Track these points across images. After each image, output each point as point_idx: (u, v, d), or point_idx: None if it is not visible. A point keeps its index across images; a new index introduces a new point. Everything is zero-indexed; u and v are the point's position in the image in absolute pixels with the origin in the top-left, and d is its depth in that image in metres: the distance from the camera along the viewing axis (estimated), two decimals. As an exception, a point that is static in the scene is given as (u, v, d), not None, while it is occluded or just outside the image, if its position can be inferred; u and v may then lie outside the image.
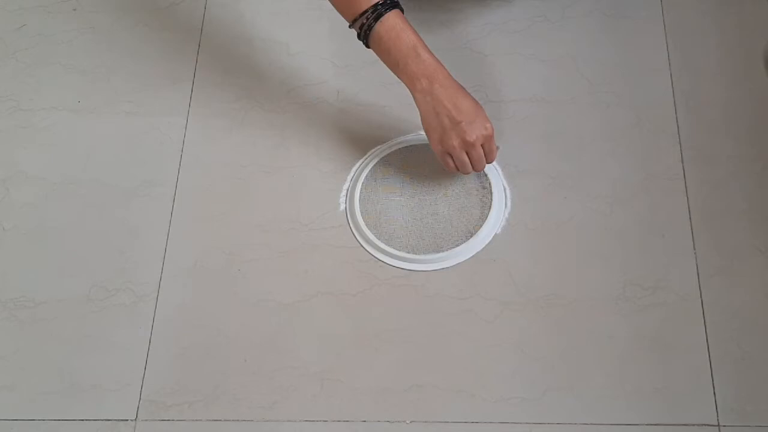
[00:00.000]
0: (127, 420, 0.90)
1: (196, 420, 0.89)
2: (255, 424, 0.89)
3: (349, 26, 0.90)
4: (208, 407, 0.90)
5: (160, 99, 1.10)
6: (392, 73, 0.91)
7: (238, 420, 0.89)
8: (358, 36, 0.90)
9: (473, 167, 0.93)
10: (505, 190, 1.00)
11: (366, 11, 0.88)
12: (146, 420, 0.90)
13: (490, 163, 0.94)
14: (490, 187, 0.99)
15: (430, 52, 0.89)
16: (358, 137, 1.04)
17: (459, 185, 1.00)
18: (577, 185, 0.99)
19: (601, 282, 0.93)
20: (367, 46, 0.90)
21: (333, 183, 1.02)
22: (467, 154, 0.91)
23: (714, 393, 0.86)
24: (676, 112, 1.03)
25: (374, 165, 1.02)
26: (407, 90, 0.91)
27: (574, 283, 0.93)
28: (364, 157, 1.03)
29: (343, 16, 0.90)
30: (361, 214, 0.99)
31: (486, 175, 1.00)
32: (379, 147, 1.04)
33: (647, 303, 0.92)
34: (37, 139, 1.09)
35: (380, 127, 1.05)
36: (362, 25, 0.88)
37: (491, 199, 0.98)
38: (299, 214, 1.00)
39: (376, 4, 0.87)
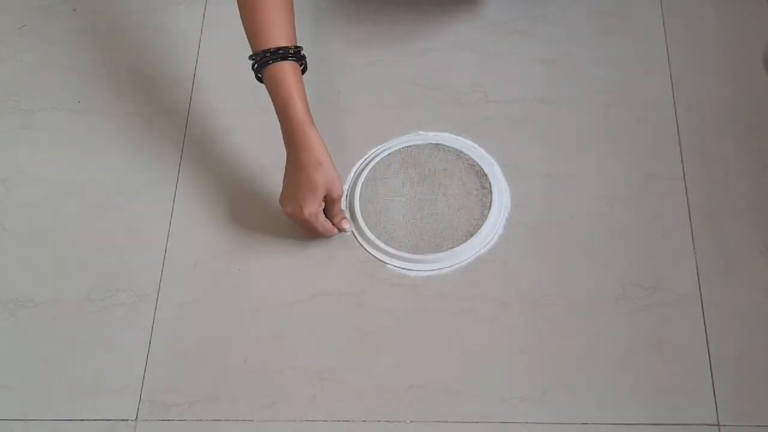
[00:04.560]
0: (127, 420, 0.90)
1: (197, 420, 0.89)
2: (255, 424, 0.89)
3: (248, 57, 0.92)
4: (208, 407, 0.90)
5: (160, 99, 1.10)
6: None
7: (238, 420, 0.89)
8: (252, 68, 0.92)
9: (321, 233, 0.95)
10: (505, 190, 1.00)
11: (258, 53, 0.90)
12: (146, 420, 0.90)
13: (341, 230, 0.96)
14: (490, 187, 0.99)
15: (302, 110, 0.89)
16: (358, 137, 1.04)
17: (459, 185, 1.00)
18: (577, 185, 0.99)
19: (601, 282, 0.93)
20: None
21: (333, 183, 1.02)
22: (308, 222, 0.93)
23: (714, 393, 0.86)
24: (676, 112, 1.03)
25: (374, 165, 1.02)
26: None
27: (574, 283, 0.93)
28: (364, 157, 1.03)
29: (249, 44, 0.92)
30: (361, 214, 0.99)
31: (486, 175, 1.00)
32: (379, 147, 1.04)
33: (647, 303, 0.92)
34: (37, 139, 1.09)
35: (380, 127, 1.05)
36: (253, 65, 0.91)
37: (491, 199, 0.98)
38: (299, 214, 1.00)
39: (269, 50, 0.89)
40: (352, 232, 0.98)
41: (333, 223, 0.95)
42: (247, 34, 0.92)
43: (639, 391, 0.87)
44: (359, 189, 1.00)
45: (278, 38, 0.89)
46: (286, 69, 0.89)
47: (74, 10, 1.19)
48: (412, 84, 1.08)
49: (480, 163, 1.01)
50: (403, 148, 1.03)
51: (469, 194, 1.00)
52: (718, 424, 0.85)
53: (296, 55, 0.90)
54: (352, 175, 1.02)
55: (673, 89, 1.05)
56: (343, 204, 1.01)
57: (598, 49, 1.09)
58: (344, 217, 0.97)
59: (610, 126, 1.03)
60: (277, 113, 0.91)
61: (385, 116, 1.06)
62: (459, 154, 1.02)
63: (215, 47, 1.14)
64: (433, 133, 1.04)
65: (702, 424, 0.85)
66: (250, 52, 0.91)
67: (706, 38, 1.08)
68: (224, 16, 1.16)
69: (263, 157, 1.04)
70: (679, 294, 0.92)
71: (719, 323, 0.90)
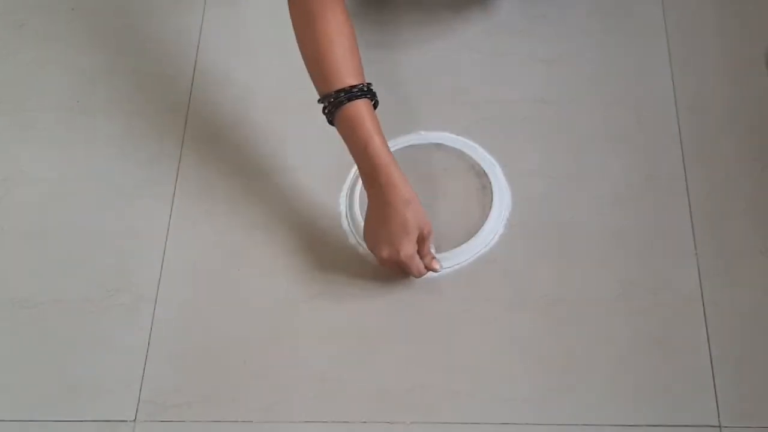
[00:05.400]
0: (126, 421, 0.90)
1: (196, 421, 0.89)
2: (255, 424, 0.88)
3: (318, 101, 0.89)
4: (207, 408, 0.89)
5: (159, 98, 1.10)
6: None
7: (237, 421, 0.89)
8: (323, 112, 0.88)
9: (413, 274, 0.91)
10: (505, 190, 0.99)
11: (330, 94, 0.86)
12: (145, 421, 0.89)
13: (432, 270, 0.91)
14: (491, 187, 0.99)
15: (384, 149, 0.87)
16: (358, 137, 1.04)
17: (459, 185, 1.00)
18: (577, 185, 0.99)
19: (602, 282, 0.93)
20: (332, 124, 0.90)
21: (333, 183, 1.02)
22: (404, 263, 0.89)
23: (715, 393, 0.86)
24: (677, 112, 1.03)
25: (374, 165, 1.02)
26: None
27: (574, 284, 0.93)
28: (365, 157, 1.03)
29: (315, 87, 0.89)
30: (361, 215, 0.98)
31: (486, 175, 1.00)
32: (379, 147, 1.03)
33: (648, 303, 0.91)
34: (37, 139, 1.09)
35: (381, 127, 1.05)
36: (325, 107, 0.88)
37: (492, 200, 0.98)
38: (299, 214, 1.00)
39: (343, 90, 0.85)
40: (353, 233, 0.98)
41: (424, 263, 0.90)
42: (312, 75, 0.88)
43: (640, 391, 0.87)
44: (359, 189, 1.00)
45: (349, 77, 0.86)
46: (362, 108, 0.86)
47: (73, 9, 1.19)
48: (413, 84, 1.08)
49: (480, 163, 1.01)
50: (403, 148, 1.03)
51: (469, 194, 0.99)
52: (720, 425, 0.85)
53: (369, 92, 0.87)
54: (352, 175, 1.02)
55: (674, 89, 1.05)
56: (343, 205, 1.00)
57: (598, 48, 1.09)
58: (434, 257, 0.92)
59: (610, 126, 1.03)
60: (353, 154, 0.88)
61: (385, 116, 1.05)
62: (460, 154, 1.02)
63: (215, 47, 1.14)
64: (433, 132, 1.04)
65: (703, 425, 0.85)
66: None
67: (708, 38, 1.08)
68: (224, 16, 1.16)
69: (263, 156, 1.04)
70: (680, 294, 0.92)
71: (720, 323, 0.90)
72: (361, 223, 0.97)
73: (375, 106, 0.89)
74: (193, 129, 1.07)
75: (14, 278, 0.99)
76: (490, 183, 0.99)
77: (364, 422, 0.88)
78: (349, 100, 0.86)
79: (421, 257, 0.90)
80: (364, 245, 0.96)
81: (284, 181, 1.02)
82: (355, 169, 1.02)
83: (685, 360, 0.88)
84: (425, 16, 1.12)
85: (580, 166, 1.00)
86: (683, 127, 1.02)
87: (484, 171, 1.00)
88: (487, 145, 1.03)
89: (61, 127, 1.09)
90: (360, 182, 1.00)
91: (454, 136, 1.04)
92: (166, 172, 1.04)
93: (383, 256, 0.89)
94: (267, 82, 1.09)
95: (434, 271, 0.91)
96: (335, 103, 0.86)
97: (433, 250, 0.93)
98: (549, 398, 0.87)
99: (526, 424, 0.86)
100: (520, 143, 1.03)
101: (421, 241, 0.89)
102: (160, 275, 0.98)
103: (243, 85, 1.10)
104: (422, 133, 1.04)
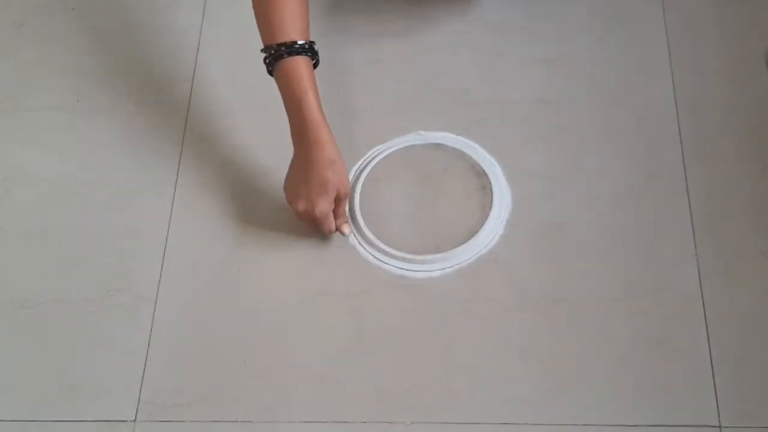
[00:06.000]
0: (126, 421, 0.90)
1: (196, 421, 0.89)
2: (255, 425, 0.88)
3: (260, 50, 0.91)
4: (207, 408, 0.89)
5: (159, 98, 1.10)
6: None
7: (237, 421, 0.89)
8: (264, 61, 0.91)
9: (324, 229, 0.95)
10: (505, 190, 0.99)
11: (272, 46, 0.89)
12: (145, 421, 0.89)
13: (341, 233, 0.96)
14: (491, 187, 0.99)
15: (316, 107, 0.90)
16: (358, 137, 1.04)
17: (459, 186, 1.00)
18: (577, 185, 0.99)
19: (602, 283, 0.93)
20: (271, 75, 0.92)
21: (333, 183, 1.02)
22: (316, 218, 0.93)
23: (715, 393, 0.86)
24: (677, 112, 1.03)
25: (374, 165, 1.02)
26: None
27: (574, 284, 0.93)
28: (364, 157, 1.03)
29: (261, 38, 0.92)
30: (361, 215, 0.98)
31: (486, 175, 1.00)
32: (379, 147, 1.03)
33: (648, 303, 0.91)
34: (37, 139, 1.09)
35: (380, 127, 1.05)
36: (266, 57, 0.91)
37: (492, 200, 0.98)
38: (299, 214, 1.00)
39: (284, 44, 0.89)
40: (353, 234, 0.98)
41: (336, 224, 0.95)
42: (259, 27, 0.92)
43: (640, 392, 0.87)
44: (359, 189, 1.00)
45: (293, 32, 0.89)
46: (300, 64, 0.89)
47: (73, 9, 1.19)
48: (413, 84, 1.08)
49: (480, 163, 1.01)
50: (403, 148, 1.03)
51: (469, 194, 0.99)
52: (720, 426, 0.85)
53: (310, 50, 0.90)
54: (352, 175, 1.02)
55: (674, 89, 1.04)
56: (343, 204, 1.01)
57: (598, 48, 1.08)
58: (346, 221, 0.97)
59: (610, 126, 1.03)
60: (287, 108, 0.91)
61: (385, 116, 1.06)
62: (460, 154, 1.02)
63: (215, 47, 1.14)
64: (433, 132, 1.04)
65: (703, 426, 0.85)
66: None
67: (708, 38, 1.08)
68: (224, 15, 1.16)
69: (263, 156, 1.04)
70: (680, 294, 0.91)
71: (721, 324, 0.90)
72: (362, 224, 0.97)
73: (315, 65, 0.92)
74: (193, 129, 1.07)
75: (14, 278, 0.99)
76: (490, 183, 0.99)
77: (364, 422, 0.88)
78: (289, 54, 0.89)
79: (336, 217, 0.95)
80: (365, 245, 0.96)
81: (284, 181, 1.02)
82: (355, 169, 1.02)
83: (685, 360, 0.88)
84: (426, 15, 1.12)
85: (580, 166, 1.00)
86: (683, 127, 1.02)
87: (484, 171, 1.00)
88: (487, 145, 1.03)
89: (61, 127, 1.09)
90: (360, 182, 1.01)
91: (454, 136, 1.03)
92: (166, 172, 1.04)
93: (299, 210, 0.92)
94: (267, 82, 1.09)
95: (343, 234, 0.96)
96: (275, 55, 0.89)
97: (347, 212, 0.97)
98: (549, 398, 0.87)
99: (526, 424, 0.86)
100: (520, 143, 1.03)
101: (338, 201, 0.93)
102: (160, 275, 0.98)
103: (243, 85, 1.10)
104: (422, 133, 1.04)
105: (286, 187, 0.95)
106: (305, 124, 0.89)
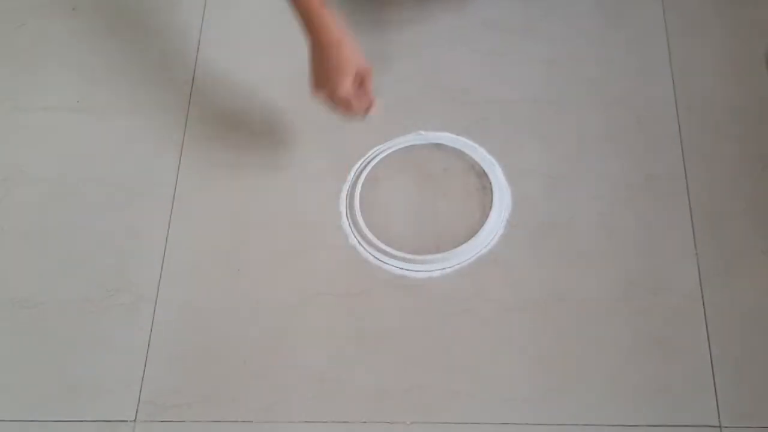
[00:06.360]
0: (126, 421, 0.90)
1: (196, 421, 0.89)
2: (255, 424, 0.88)
3: None
4: (207, 408, 0.89)
5: (159, 98, 1.10)
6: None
7: (237, 421, 0.89)
8: None
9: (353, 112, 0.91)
10: (505, 190, 0.99)
11: None
12: (145, 421, 0.89)
13: (369, 111, 0.91)
14: (491, 187, 0.99)
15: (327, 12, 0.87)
16: (358, 137, 1.04)
17: (459, 186, 1.00)
18: (577, 185, 0.99)
19: (602, 282, 0.93)
20: None
21: (333, 183, 1.02)
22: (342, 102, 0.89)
23: (715, 393, 0.86)
24: (677, 112, 1.03)
25: (374, 165, 1.02)
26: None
27: (574, 284, 0.93)
28: (364, 157, 1.03)
29: None
30: (362, 215, 0.98)
31: (486, 175, 1.00)
32: (379, 147, 1.03)
33: (648, 303, 0.91)
34: (37, 139, 1.09)
35: (380, 127, 1.05)
36: None
37: (492, 200, 0.98)
38: (299, 214, 1.00)
39: None
40: (353, 232, 0.98)
41: (363, 105, 0.91)
42: None
43: (640, 392, 0.87)
44: (359, 189, 1.00)
45: None
46: None
47: (74, 9, 1.19)
48: (413, 84, 1.08)
49: (480, 163, 1.01)
50: (403, 148, 1.03)
51: (469, 194, 0.99)
52: (720, 425, 0.85)
53: None
54: (352, 175, 1.02)
55: (674, 89, 1.04)
56: (343, 205, 1.00)
57: (598, 48, 1.08)
58: (373, 100, 0.91)
59: (610, 126, 1.03)
60: (294, 10, 0.89)
61: (385, 116, 1.05)
62: (460, 154, 1.02)
63: (215, 47, 1.14)
64: (433, 132, 1.04)
65: (703, 426, 0.85)
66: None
67: (708, 38, 1.08)
68: (224, 15, 1.16)
69: (263, 156, 1.04)
70: (681, 294, 0.91)
71: (721, 324, 0.90)
72: (362, 223, 0.97)
73: None
74: (193, 129, 1.07)
75: (14, 278, 0.99)
76: (490, 183, 0.99)
77: (364, 422, 0.88)
78: None
79: (363, 96, 0.90)
80: (365, 245, 0.96)
81: (284, 181, 1.02)
82: (355, 169, 1.02)
83: (686, 360, 0.88)
84: (426, 16, 1.12)
85: (580, 166, 1.00)
86: (683, 127, 1.02)
87: (484, 171, 1.00)
88: (487, 145, 1.03)
89: (61, 127, 1.09)
90: (360, 182, 1.01)
91: (454, 136, 1.03)
92: (166, 172, 1.04)
93: (324, 96, 0.90)
94: (267, 82, 1.09)
95: (372, 114, 0.91)
96: None
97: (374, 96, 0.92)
98: (549, 398, 0.87)
99: (526, 424, 0.86)
100: (520, 143, 1.03)
101: (360, 81, 0.90)
102: (160, 275, 0.98)
103: (243, 85, 1.10)
104: (422, 133, 1.04)
105: (310, 83, 0.91)
106: (308, 11, 0.88)
